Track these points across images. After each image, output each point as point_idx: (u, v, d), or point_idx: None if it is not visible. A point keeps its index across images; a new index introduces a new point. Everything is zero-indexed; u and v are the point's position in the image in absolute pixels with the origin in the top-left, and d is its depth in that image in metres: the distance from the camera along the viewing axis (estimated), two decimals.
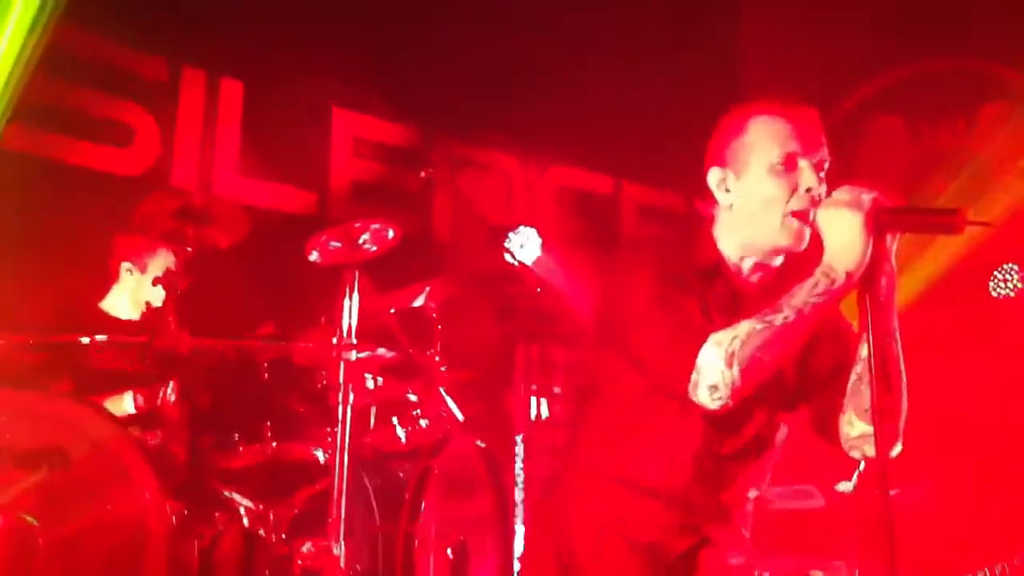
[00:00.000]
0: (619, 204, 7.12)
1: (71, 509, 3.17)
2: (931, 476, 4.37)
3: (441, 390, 4.17)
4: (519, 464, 5.01)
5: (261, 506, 3.52)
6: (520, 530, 4.64)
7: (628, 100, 6.40)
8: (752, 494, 2.45)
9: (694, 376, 2.14)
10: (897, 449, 2.28)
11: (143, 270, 4.29)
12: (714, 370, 2.12)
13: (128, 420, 3.57)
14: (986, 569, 3.85)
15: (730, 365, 2.11)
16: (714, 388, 2.13)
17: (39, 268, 4.50)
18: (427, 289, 4.40)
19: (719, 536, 2.39)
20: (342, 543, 3.17)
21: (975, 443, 4.81)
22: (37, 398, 3.27)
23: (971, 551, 4.19)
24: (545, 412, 5.09)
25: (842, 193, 2.15)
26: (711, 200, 2.38)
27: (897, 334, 2.23)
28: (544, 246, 5.08)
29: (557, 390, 5.35)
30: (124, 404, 3.76)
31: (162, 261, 4.24)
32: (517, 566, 4.17)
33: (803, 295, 2.12)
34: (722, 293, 2.34)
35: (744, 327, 2.13)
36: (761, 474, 2.44)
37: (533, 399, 5.17)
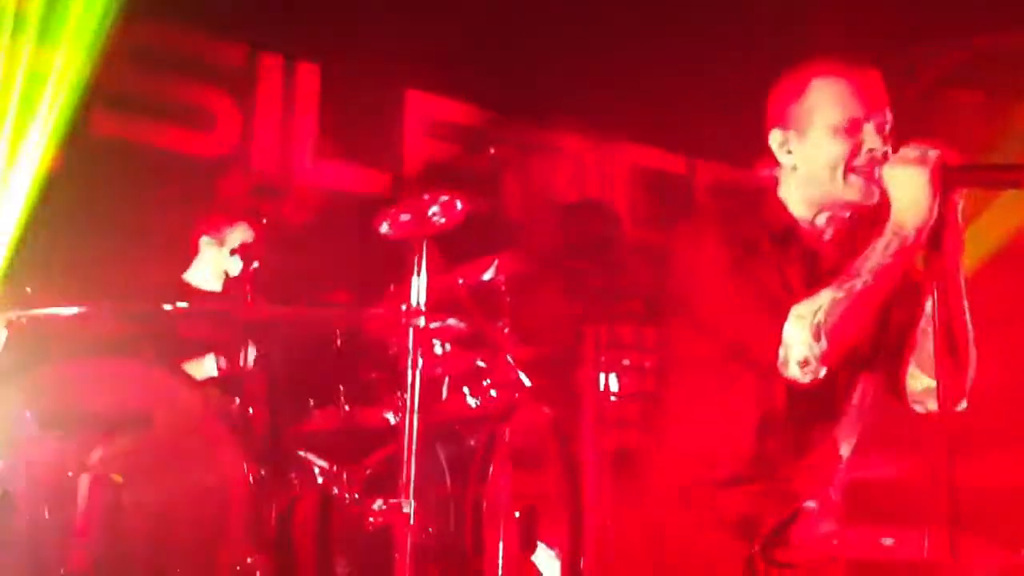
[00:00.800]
0: (693, 183, 7.12)
1: (156, 471, 3.32)
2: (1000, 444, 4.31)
3: (509, 359, 4.26)
4: (590, 435, 5.08)
5: (335, 467, 3.65)
6: (590, 499, 4.71)
7: (701, 78, 6.39)
8: (842, 453, 2.42)
9: (782, 352, 2.17)
10: (962, 405, 2.29)
11: (222, 243, 4.46)
12: (802, 344, 2.15)
13: (209, 384, 3.73)
14: None
15: (817, 338, 2.14)
16: (805, 363, 2.16)
17: (128, 243, 4.70)
18: (496, 262, 4.48)
19: (812, 503, 2.38)
20: (412, 501, 3.27)
21: None
22: (124, 364, 3.44)
23: None
24: (614, 386, 5.15)
25: (909, 150, 2.17)
26: (773, 162, 2.40)
27: (963, 290, 2.25)
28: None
29: (626, 362, 5.39)
30: (205, 368, 3.93)
31: (240, 234, 4.40)
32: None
33: (877, 257, 2.14)
34: (797, 255, 2.35)
35: (825, 297, 2.15)
36: (847, 436, 2.43)
37: (602, 374, 5.23)
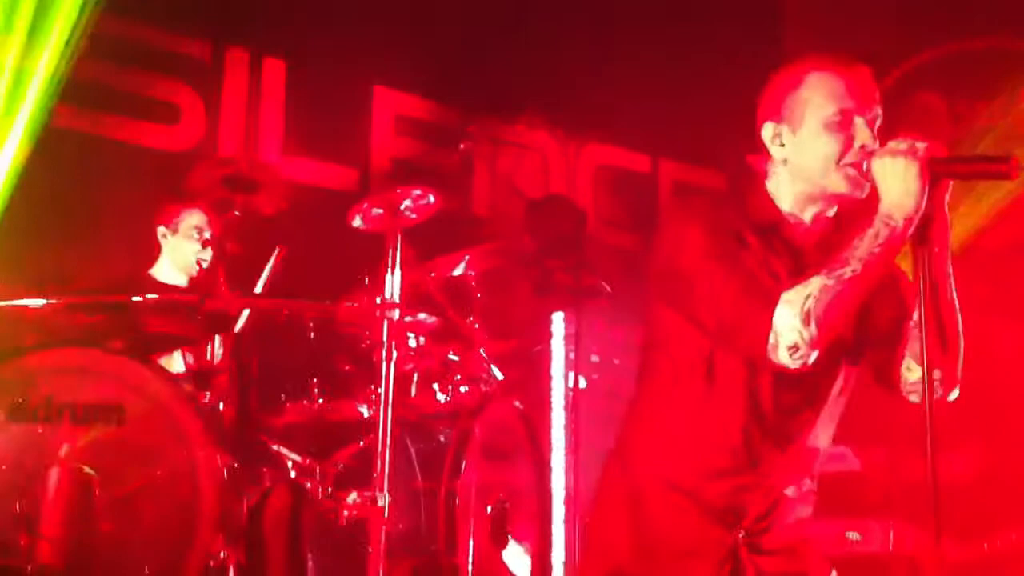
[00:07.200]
0: (657, 182, 7.16)
1: (127, 463, 3.30)
2: (976, 436, 4.32)
3: (481, 352, 4.26)
4: (559, 430, 5.10)
5: (308, 461, 3.64)
6: (560, 495, 4.74)
7: (666, 78, 6.44)
8: (820, 444, 2.42)
9: (772, 338, 2.16)
10: (954, 394, 2.32)
11: (175, 231, 4.43)
12: (792, 330, 2.14)
13: (180, 378, 3.69)
14: None
15: (807, 323, 2.13)
16: (794, 348, 2.15)
17: (94, 238, 4.65)
18: (466, 257, 4.48)
19: (791, 491, 2.39)
20: (386, 494, 3.26)
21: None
22: (96, 356, 3.40)
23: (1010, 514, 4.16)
24: (583, 382, 5.16)
25: (898, 143, 2.18)
26: (764, 155, 2.40)
27: (951, 280, 2.27)
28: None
29: (595, 358, 5.41)
30: (174, 364, 3.89)
31: (192, 220, 4.37)
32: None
33: (866, 245, 2.15)
34: (781, 248, 2.35)
35: (815, 283, 2.15)
36: (826, 425, 2.43)
37: (571, 372, 5.23)
